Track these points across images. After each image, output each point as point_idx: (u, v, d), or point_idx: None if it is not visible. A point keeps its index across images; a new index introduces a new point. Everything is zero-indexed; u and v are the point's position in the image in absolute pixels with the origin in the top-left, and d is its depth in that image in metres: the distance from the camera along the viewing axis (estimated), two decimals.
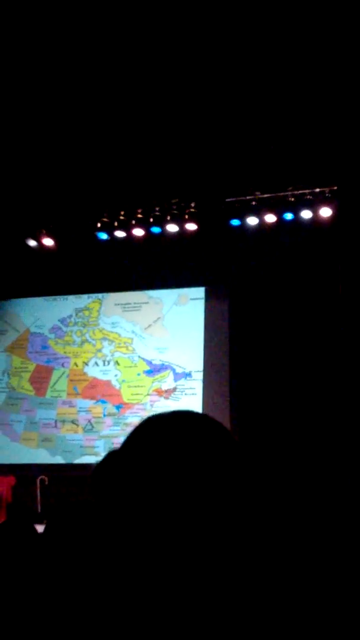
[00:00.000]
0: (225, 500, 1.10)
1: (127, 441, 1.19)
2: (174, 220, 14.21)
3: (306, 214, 13.34)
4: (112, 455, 1.18)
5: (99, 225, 14.59)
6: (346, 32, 9.29)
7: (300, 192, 13.23)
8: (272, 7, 8.87)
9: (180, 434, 1.15)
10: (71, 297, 16.51)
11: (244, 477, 1.14)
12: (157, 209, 14.24)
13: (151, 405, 15.54)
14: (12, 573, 2.49)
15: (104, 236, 14.87)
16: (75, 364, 16.34)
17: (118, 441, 15.01)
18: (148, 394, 15.63)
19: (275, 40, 9.49)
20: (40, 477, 15.22)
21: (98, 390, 16.03)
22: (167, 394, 15.48)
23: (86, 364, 16.25)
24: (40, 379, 16.50)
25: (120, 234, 14.71)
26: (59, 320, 16.57)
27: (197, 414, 1.22)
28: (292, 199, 13.31)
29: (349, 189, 12.90)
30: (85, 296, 16.45)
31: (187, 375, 15.41)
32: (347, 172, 12.63)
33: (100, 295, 16.36)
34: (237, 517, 1.10)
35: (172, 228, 14.29)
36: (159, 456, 1.11)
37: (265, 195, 13.48)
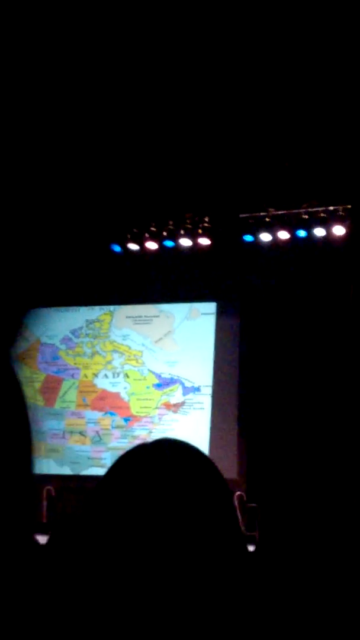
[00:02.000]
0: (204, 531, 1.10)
1: (112, 470, 1.20)
2: (187, 234, 14.22)
3: (319, 232, 13.33)
4: (102, 482, 1.18)
5: (112, 238, 14.62)
6: None
7: (314, 209, 13.23)
8: (286, 18, 8.89)
9: (163, 465, 1.16)
10: (83, 309, 16.54)
11: (224, 510, 1.15)
12: (170, 223, 14.26)
13: (159, 419, 15.53)
14: (7, 584, 2.49)
15: (117, 249, 14.90)
16: (85, 375, 16.34)
17: None
18: (157, 407, 15.62)
19: (290, 56, 9.51)
20: (46, 488, 15.21)
21: (107, 402, 16.03)
22: (175, 407, 15.46)
23: (96, 375, 16.25)
24: (50, 389, 16.52)
25: (133, 246, 14.73)
26: (70, 331, 16.59)
27: (179, 443, 1.23)
28: (306, 217, 13.31)
29: None
30: (97, 308, 16.47)
31: (196, 389, 15.39)
32: None
33: (111, 307, 16.37)
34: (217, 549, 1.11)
35: (185, 242, 14.31)
36: (139, 488, 1.12)
37: (279, 212, 13.49)
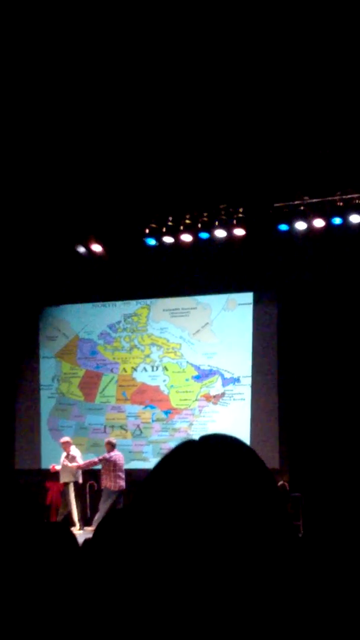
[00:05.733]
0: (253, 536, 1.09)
1: (160, 467, 1.19)
2: (222, 225, 14.18)
3: (355, 219, 13.21)
4: (148, 480, 1.18)
5: (147, 231, 14.62)
6: None
7: (349, 196, 13.12)
8: (317, 11, 8.83)
9: (211, 461, 1.15)
10: (119, 303, 16.61)
11: (275, 513, 1.14)
12: (205, 214, 14.23)
13: (199, 411, 15.56)
14: (45, 578, 2.51)
15: (152, 242, 14.90)
16: (124, 370, 16.43)
17: (166, 446, 15.07)
18: (196, 400, 15.65)
19: (324, 50, 9.44)
20: (89, 482, 15.34)
21: (146, 396, 16.10)
22: (215, 399, 15.48)
23: (135, 369, 16.32)
24: (90, 384, 16.62)
25: (168, 239, 14.72)
26: (107, 326, 16.68)
27: (226, 438, 1.21)
28: (341, 204, 13.21)
29: None
30: (133, 302, 16.54)
31: (236, 380, 15.39)
32: None
33: (148, 301, 16.43)
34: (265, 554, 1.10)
35: (220, 233, 14.27)
36: (190, 487, 1.11)
37: (314, 200, 13.41)
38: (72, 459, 14.69)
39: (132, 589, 1.10)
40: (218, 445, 1.17)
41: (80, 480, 14.89)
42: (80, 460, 14.77)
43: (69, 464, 14.62)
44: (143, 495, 1.15)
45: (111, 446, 14.44)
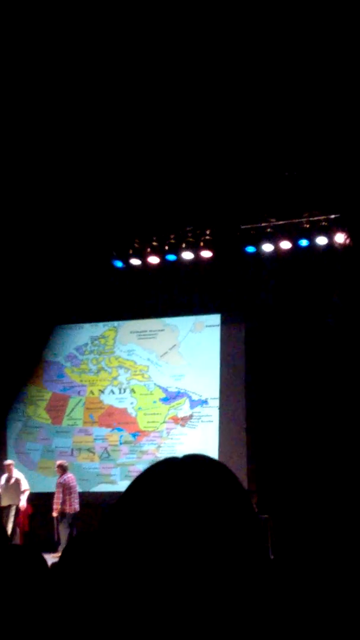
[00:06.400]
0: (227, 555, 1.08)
1: (133, 487, 1.17)
2: (189, 247, 14.23)
3: (321, 241, 13.31)
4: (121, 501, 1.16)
5: (114, 253, 14.62)
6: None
7: (316, 218, 13.22)
8: (283, 32, 8.92)
9: (188, 483, 1.13)
10: (87, 325, 16.57)
11: (251, 536, 1.13)
12: (172, 236, 14.27)
13: (167, 433, 15.50)
14: (14, 600, 2.46)
15: (119, 264, 14.91)
16: (91, 392, 16.35)
17: (134, 469, 15.05)
18: (164, 422, 15.60)
19: (286, 67, 9.53)
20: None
21: (114, 418, 16.02)
22: (183, 421, 15.44)
23: (102, 391, 16.25)
24: (57, 407, 16.51)
25: (135, 261, 14.73)
26: (74, 349, 16.61)
27: (207, 461, 1.20)
28: (307, 226, 13.31)
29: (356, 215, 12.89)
30: (100, 324, 16.50)
31: (204, 402, 15.37)
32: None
33: (115, 323, 16.40)
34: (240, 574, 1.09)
35: (187, 255, 14.31)
36: (162, 507, 1.10)
37: (281, 222, 13.49)
38: (16, 482, 14.46)
39: (107, 609, 1.08)
40: (196, 465, 1.16)
41: (23, 504, 14.55)
42: (25, 484, 14.52)
43: (18, 487, 14.38)
44: (118, 515, 1.12)
45: (62, 469, 14.22)
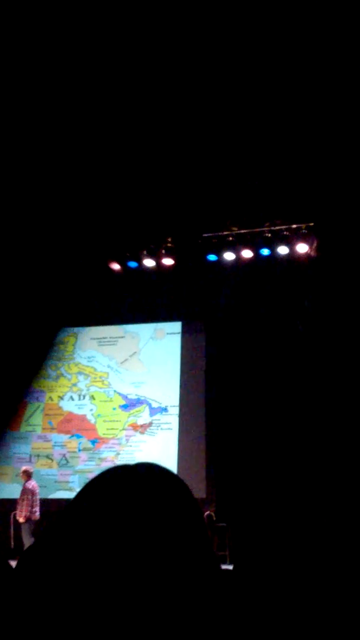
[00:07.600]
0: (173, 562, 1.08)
1: (82, 493, 1.17)
2: (150, 255, 14.23)
3: (283, 250, 13.40)
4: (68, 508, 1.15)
5: (76, 259, 14.56)
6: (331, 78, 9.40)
7: (278, 228, 13.30)
8: (261, 52, 8.96)
9: (134, 488, 1.13)
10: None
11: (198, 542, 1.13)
12: (133, 243, 14.26)
13: (126, 440, 15.46)
14: None
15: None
16: (50, 398, 16.25)
17: (93, 476, 14.86)
18: (124, 429, 15.55)
19: (250, 79, 9.57)
20: (13, 513, 15.04)
21: (73, 425, 15.93)
22: (142, 428, 15.41)
23: (61, 398, 16.16)
24: (15, 413, 16.39)
25: (96, 268, 14.69)
26: None
27: (158, 469, 1.20)
28: (269, 235, 13.38)
29: (325, 225, 12.98)
30: (60, 330, 16.43)
31: (163, 409, 15.36)
32: (324, 208, 12.71)
33: (75, 329, 16.34)
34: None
35: (149, 263, 14.31)
36: (110, 514, 1.09)
37: (242, 231, 13.55)
38: None
39: (60, 615, 1.07)
40: (147, 473, 1.16)
41: None
42: None
43: None
44: (68, 520, 1.12)
45: (28, 475, 14.04)
